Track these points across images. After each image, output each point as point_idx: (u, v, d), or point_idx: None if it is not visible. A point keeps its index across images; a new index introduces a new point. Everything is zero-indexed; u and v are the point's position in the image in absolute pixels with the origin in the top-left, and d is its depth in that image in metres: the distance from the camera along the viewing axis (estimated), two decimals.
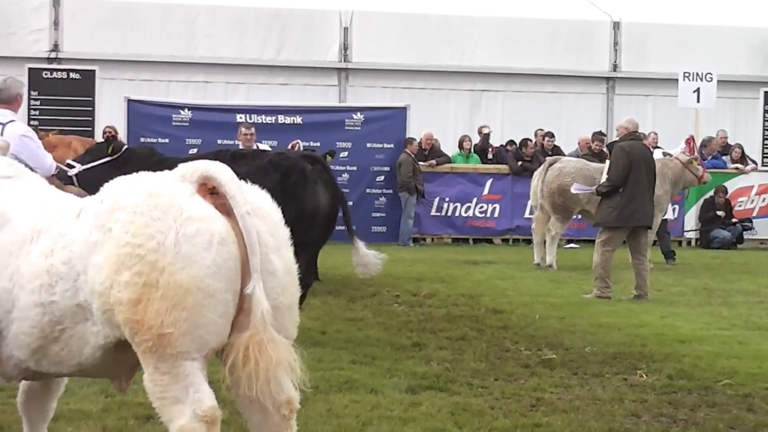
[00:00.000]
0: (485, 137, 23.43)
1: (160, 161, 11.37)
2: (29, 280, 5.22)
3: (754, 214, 23.50)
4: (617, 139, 15.61)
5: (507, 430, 7.38)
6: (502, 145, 23.76)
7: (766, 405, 8.30)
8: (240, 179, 5.04)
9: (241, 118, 20.55)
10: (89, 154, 13.25)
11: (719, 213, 23.08)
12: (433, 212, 22.61)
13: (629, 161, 14.51)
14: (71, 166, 11.65)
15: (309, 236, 10.95)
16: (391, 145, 22.00)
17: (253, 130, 17.30)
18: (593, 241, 18.35)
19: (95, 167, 11.99)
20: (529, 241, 19.96)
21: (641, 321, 12.58)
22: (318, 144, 19.78)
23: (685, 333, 11.77)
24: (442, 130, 23.62)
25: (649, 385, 9.02)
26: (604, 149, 20.99)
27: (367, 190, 21.86)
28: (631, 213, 14.48)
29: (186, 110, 21.33)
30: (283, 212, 5.39)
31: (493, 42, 24.47)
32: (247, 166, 11.05)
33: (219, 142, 19.92)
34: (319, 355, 9.11)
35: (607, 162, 17.58)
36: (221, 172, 4.88)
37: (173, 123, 21.07)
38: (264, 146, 17.44)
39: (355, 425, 7.36)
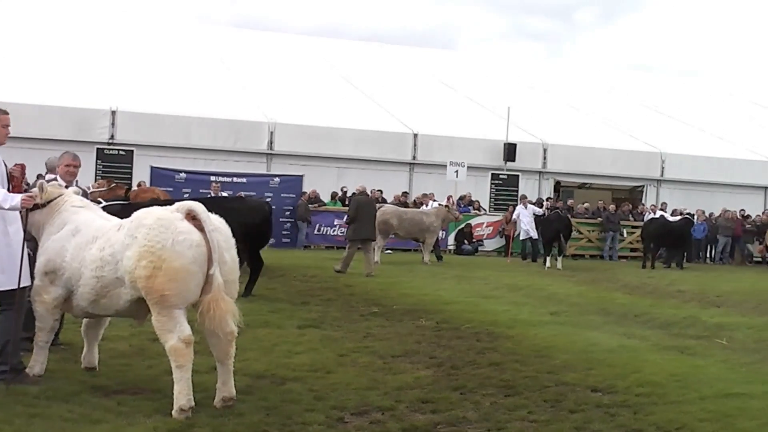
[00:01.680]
0: (344, 193, 27.17)
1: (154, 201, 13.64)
2: (90, 263, 6.54)
3: (484, 237, 28.16)
4: (356, 192, 19.67)
5: (351, 349, 8.90)
6: (353, 195, 24.89)
7: (488, 338, 10.03)
8: (210, 212, 6.49)
9: (213, 178, 24.71)
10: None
11: (466, 236, 27.58)
12: (315, 231, 26.42)
13: (358, 205, 18.68)
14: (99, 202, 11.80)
15: (256, 241, 14.20)
16: (294, 195, 25.98)
17: (219, 185, 22.03)
18: (401, 249, 24.72)
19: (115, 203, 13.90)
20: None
21: (425, 291, 14.99)
22: (254, 193, 23.28)
23: (447, 298, 14.17)
24: (322, 189, 27.15)
25: (426, 327, 10.72)
26: (408, 202, 26.28)
27: (281, 219, 25.08)
28: (360, 231, 18.47)
29: (182, 173, 25.22)
30: (239, 228, 7.39)
31: (352, 142, 28.13)
32: (216, 205, 16.07)
33: (201, 191, 23.33)
34: (249, 308, 9.32)
35: (422, 206, 24.07)
36: (198, 207, 6.31)
37: (175, 180, 24.79)
38: (224, 194, 21.71)
39: (269, 345, 8.84)
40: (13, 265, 6.70)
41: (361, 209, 18.85)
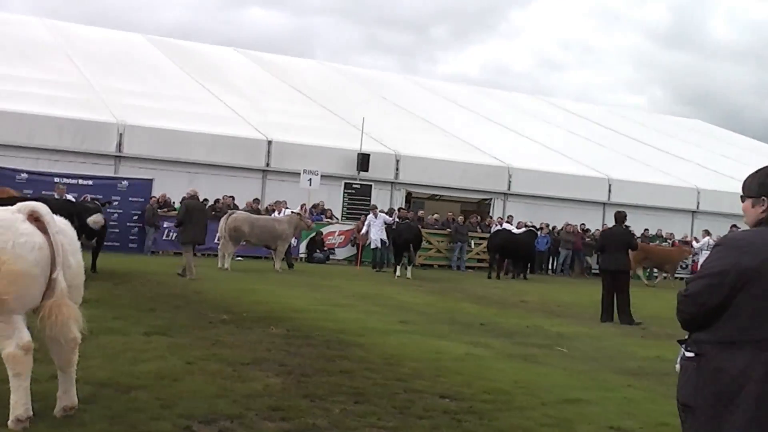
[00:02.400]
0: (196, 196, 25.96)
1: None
2: None
3: (336, 246, 28.35)
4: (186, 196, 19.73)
5: (199, 356, 8.69)
6: (205, 200, 25.44)
7: (338, 346, 10.04)
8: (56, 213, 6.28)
9: (57, 179, 23.63)
10: None
11: (318, 245, 27.55)
12: (165, 237, 25.89)
13: (187, 209, 18.93)
14: None
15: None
16: (142, 199, 25.37)
17: (64, 187, 21.17)
18: (252, 257, 24.56)
19: None
20: (217, 255, 22.78)
21: (276, 299, 14.91)
22: (101, 196, 22.05)
23: (298, 305, 14.11)
24: (173, 193, 26.33)
25: (276, 334, 10.66)
26: (260, 209, 26.14)
27: (128, 224, 25.15)
28: (189, 235, 18.73)
29: (24, 174, 24.24)
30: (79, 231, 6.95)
31: (205, 147, 27.75)
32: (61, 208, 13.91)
33: (43, 192, 21.91)
34: (93, 314, 7.98)
35: (274, 213, 24.13)
36: (41, 208, 6.06)
37: (16, 180, 23.41)
38: (70, 196, 21.07)
39: (113, 353, 8.64)
40: None
41: (189, 213, 18.93)
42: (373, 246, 26.66)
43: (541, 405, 7.67)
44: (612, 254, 16.17)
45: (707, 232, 31.62)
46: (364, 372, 8.66)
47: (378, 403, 7.35)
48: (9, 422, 5.82)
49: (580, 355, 11.06)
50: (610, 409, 7.74)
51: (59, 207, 14.13)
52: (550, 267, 31.99)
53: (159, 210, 25.88)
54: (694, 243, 32.43)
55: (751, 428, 3.52)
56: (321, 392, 7.61)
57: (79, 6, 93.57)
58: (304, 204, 26.66)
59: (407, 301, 16.70)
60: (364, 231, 26.77)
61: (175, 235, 25.45)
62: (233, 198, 27.18)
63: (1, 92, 27.34)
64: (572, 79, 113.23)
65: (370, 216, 26.57)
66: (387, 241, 25.97)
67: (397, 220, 27.11)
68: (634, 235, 15.75)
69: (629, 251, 16.40)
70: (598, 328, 14.41)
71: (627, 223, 16.90)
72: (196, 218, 19.02)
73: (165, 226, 25.92)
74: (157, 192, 26.30)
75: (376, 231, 26.29)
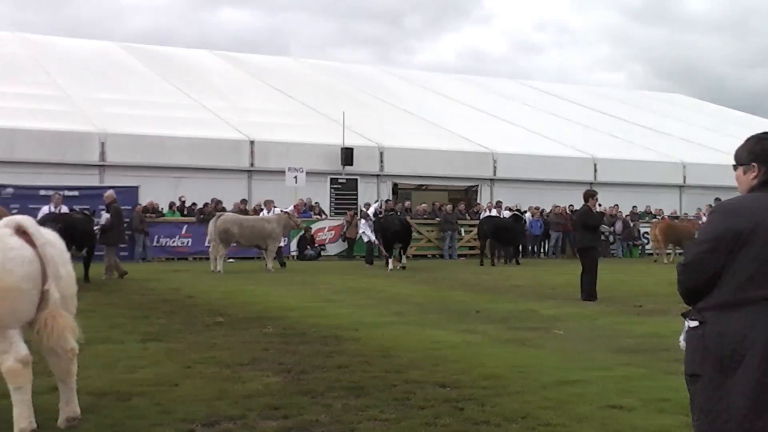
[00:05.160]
0: (183, 203, 27.43)
1: None
2: None
3: (327, 241, 28.54)
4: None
5: (196, 360, 8.72)
6: (193, 205, 27.65)
7: (334, 341, 10.03)
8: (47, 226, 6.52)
9: (42, 192, 23.41)
10: None
11: (308, 242, 27.68)
12: (154, 243, 26.15)
13: (117, 213, 19.76)
14: None
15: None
16: (129, 207, 24.76)
17: (61, 196, 20.75)
18: (243, 258, 24.67)
19: None
20: (208, 258, 22.79)
21: (270, 298, 15.05)
22: (88, 206, 21.19)
23: (292, 303, 14.20)
24: (159, 199, 27.00)
25: (272, 333, 10.68)
26: (248, 209, 26.42)
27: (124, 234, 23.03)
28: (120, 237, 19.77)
29: (9, 188, 24.41)
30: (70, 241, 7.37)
31: (187, 151, 27.97)
32: (55, 221, 15.80)
33: (30, 206, 21.32)
34: (87, 323, 9.59)
35: (263, 213, 23.97)
36: (27, 221, 6.07)
37: (2, 195, 23.74)
38: (64, 208, 20.26)
39: (110, 361, 8.63)
40: None
41: (118, 216, 19.98)
42: (366, 239, 26.79)
43: (540, 388, 7.70)
44: (576, 233, 16.28)
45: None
46: (361, 366, 8.67)
47: (378, 395, 7.37)
48: None
49: (575, 336, 11.07)
50: (609, 388, 7.76)
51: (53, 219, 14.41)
52: (541, 250, 32.04)
53: (146, 216, 25.93)
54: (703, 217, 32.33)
55: (755, 391, 3.54)
56: (320, 388, 7.61)
57: (49, 18, 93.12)
58: (298, 203, 27.08)
59: (400, 292, 16.69)
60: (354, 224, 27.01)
61: (166, 241, 26.26)
62: (221, 201, 27.31)
63: None
64: (550, 60, 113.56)
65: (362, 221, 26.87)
66: (373, 236, 26.07)
67: (382, 211, 27.18)
68: (588, 212, 15.80)
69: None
70: (592, 309, 14.39)
71: (616, 201, 16.94)
72: (120, 221, 20.03)
73: (154, 232, 26.19)
74: (143, 199, 26.35)
75: (367, 228, 26.50)
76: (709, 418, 3.65)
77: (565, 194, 32.88)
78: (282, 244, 24.91)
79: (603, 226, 21.20)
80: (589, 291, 15.72)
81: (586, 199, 16.39)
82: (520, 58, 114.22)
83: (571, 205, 32.14)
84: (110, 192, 20.86)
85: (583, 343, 10.47)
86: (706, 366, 3.67)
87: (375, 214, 26.46)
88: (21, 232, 6.02)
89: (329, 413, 6.76)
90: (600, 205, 16.90)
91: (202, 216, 26.35)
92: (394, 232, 23.93)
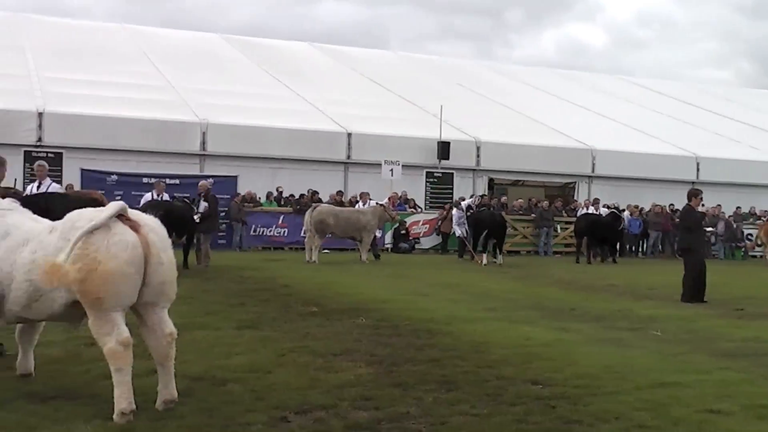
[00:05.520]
0: (280, 193, 27.84)
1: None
2: (22, 267, 6.34)
3: (421, 235, 28.62)
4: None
5: (290, 349, 8.81)
6: (290, 196, 28.09)
7: (426, 335, 9.99)
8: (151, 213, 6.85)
9: (145, 180, 24.28)
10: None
11: (403, 235, 27.95)
12: (252, 232, 26.60)
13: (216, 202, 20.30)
14: None
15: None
16: (228, 196, 25.71)
17: (164, 184, 20.86)
18: (338, 249, 24.98)
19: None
20: (303, 248, 23.16)
21: (363, 290, 15.00)
22: (188, 195, 21.63)
23: (385, 296, 14.07)
24: (257, 189, 27.52)
25: (365, 325, 10.71)
26: (343, 200, 26.74)
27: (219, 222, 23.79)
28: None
29: (113, 176, 25.29)
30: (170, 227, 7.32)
31: (286, 142, 28.08)
32: (156, 207, 16.14)
33: (133, 193, 22.78)
34: (185, 310, 10.16)
35: (358, 204, 24.40)
36: (128, 209, 6.24)
37: (107, 182, 24.65)
38: (166, 196, 20.36)
39: (206, 347, 8.76)
40: None
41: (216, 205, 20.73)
42: (457, 234, 26.71)
43: (634, 389, 7.54)
44: (678, 233, 15.86)
45: None
46: (453, 360, 8.63)
47: (469, 390, 7.33)
48: (114, 416, 5.97)
49: (672, 338, 10.80)
50: (706, 391, 7.55)
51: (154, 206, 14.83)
52: (640, 250, 31.40)
53: (245, 205, 26.27)
54: None
55: None
56: (411, 381, 7.61)
57: (156, 11, 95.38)
58: (393, 196, 26.98)
59: (494, 288, 16.57)
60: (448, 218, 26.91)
61: (263, 230, 26.77)
62: (317, 192, 27.60)
63: (87, 97, 28.03)
64: (653, 56, 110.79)
65: (455, 210, 26.86)
66: (468, 231, 25.84)
67: (473, 206, 26.98)
68: (690, 211, 15.35)
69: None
70: (690, 310, 14.03)
71: (719, 201, 16.46)
72: (216, 210, 20.69)
73: (251, 221, 26.63)
74: (242, 188, 26.87)
75: (456, 218, 26.53)
76: None
77: (666, 193, 32.20)
78: (377, 236, 24.92)
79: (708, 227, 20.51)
80: (688, 293, 15.29)
81: (689, 198, 15.99)
82: (622, 53, 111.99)
83: (672, 204, 31.53)
84: (204, 182, 21.29)
85: (679, 345, 10.20)
86: None
87: (468, 209, 26.24)
88: (124, 218, 6.17)
89: (420, 406, 6.75)
90: (703, 204, 16.36)
91: (298, 206, 26.57)
92: (484, 227, 23.80)
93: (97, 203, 11.01)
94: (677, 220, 30.34)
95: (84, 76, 30.73)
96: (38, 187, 14.71)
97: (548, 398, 7.13)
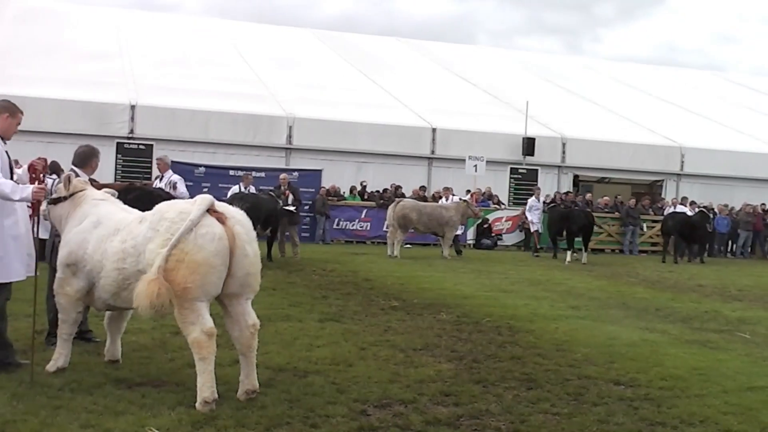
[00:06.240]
0: (364, 187, 27.78)
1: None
2: (112, 255, 6.49)
3: (504, 232, 28.25)
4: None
5: (372, 342, 8.87)
6: (376, 192, 27.77)
7: (508, 332, 10.03)
8: (237, 206, 6.71)
9: (231, 172, 24.49)
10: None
11: (485, 231, 27.68)
12: (335, 226, 26.60)
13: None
14: None
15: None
16: (313, 190, 25.74)
17: (252, 177, 20.87)
18: (420, 244, 24.94)
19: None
20: (386, 243, 22.88)
21: (445, 285, 14.94)
22: (272, 187, 21.18)
23: (467, 292, 14.14)
24: (341, 183, 27.52)
25: (446, 320, 10.69)
26: (426, 195, 26.65)
27: (301, 214, 23.55)
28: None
29: (201, 168, 25.26)
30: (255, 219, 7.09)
31: (370, 137, 28.32)
32: (242, 200, 16.15)
33: (220, 185, 22.97)
34: (269, 301, 10.55)
35: (441, 200, 24.06)
36: (215, 201, 6.33)
37: (195, 174, 24.46)
38: (252, 189, 20.24)
39: (289, 339, 8.84)
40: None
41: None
42: (533, 229, 26.51)
43: (722, 392, 7.39)
44: None
45: None
46: (535, 358, 8.59)
47: (550, 389, 7.28)
48: (197, 404, 6.08)
49: (763, 341, 10.53)
50: None
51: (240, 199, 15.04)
52: (728, 250, 30.68)
53: (328, 199, 26.34)
54: None
55: None
56: (492, 378, 7.59)
57: (247, 6, 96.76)
58: (475, 192, 26.78)
59: (577, 286, 16.39)
60: (529, 218, 26.64)
61: (346, 224, 26.79)
62: (400, 187, 27.47)
63: (179, 91, 28.59)
64: (748, 52, 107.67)
65: (532, 199, 26.53)
66: (540, 225, 25.97)
67: (550, 202, 26.94)
68: None
69: None
70: None
71: None
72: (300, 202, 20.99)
73: (335, 214, 26.72)
74: (326, 182, 26.83)
75: (537, 215, 26.22)
76: None
77: (758, 192, 31.46)
78: (459, 232, 24.76)
79: None
80: None
81: None
82: (716, 49, 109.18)
83: (763, 204, 30.74)
84: (285, 174, 21.67)
85: None
86: None
87: (551, 202, 26.16)
88: (211, 210, 6.24)
89: (500, 403, 6.72)
90: None
91: (381, 201, 26.56)
92: (578, 226, 23.66)
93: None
94: None
95: (175, 70, 31.41)
96: (160, 180, 15.22)
97: (631, 399, 7.04)
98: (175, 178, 15.17)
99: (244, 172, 21.96)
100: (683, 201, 29.08)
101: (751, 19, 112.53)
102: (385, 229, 24.18)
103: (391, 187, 27.75)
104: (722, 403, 7.02)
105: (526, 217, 26.86)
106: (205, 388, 6.05)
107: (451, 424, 6.17)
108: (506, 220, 28.46)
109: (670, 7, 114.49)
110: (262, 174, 25.30)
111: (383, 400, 6.64)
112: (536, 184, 28.40)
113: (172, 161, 23.71)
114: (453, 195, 25.70)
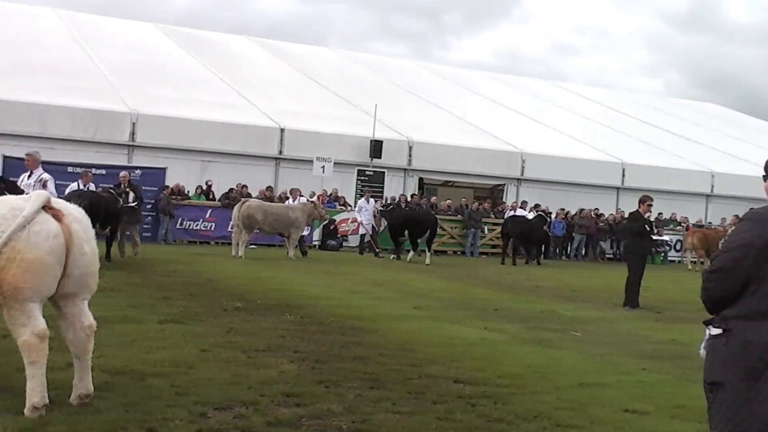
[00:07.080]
0: (209, 186, 27.46)
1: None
2: None
3: (349, 233, 28.27)
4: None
5: (214, 344, 8.68)
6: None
7: (352, 332, 10.05)
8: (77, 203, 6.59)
9: (70, 169, 23.14)
10: None
11: (331, 232, 27.72)
12: (178, 225, 26.17)
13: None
14: None
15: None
16: (156, 188, 25.29)
17: (90, 175, 20.24)
18: (266, 245, 24.59)
19: None
20: (231, 243, 22.69)
21: (290, 286, 14.96)
22: (112, 185, 20.35)
23: (312, 293, 14.15)
24: (186, 182, 27.05)
25: (290, 321, 10.64)
26: (272, 196, 26.29)
27: (142, 213, 22.79)
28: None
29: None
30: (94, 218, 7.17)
31: (217, 136, 27.81)
32: (81, 197, 15.54)
33: (57, 182, 19.04)
34: (107, 302, 10.07)
35: (288, 201, 24.02)
36: (52, 198, 6.12)
37: None
38: (92, 186, 19.76)
39: (128, 341, 8.58)
40: None
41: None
42: (361, 232, 27.02)
43: (556, 389, 7.65)
44: (625, 238, 16.05)
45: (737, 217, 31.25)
46: (378, 358, 8.64)
47: (393, 388, 7.33)
48: (25, 410, 5.78)
49: (594, 339, 11.01)
50: (625, 392, 7.72)
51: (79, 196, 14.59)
52: (564, 252, 31.88)
53: (172, 198, 25.93)
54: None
55: None
56: (335, 378, 7.59)
57: None
58: (322, 194, 26.88)
59: (421, 287, 16.65)
60: (359, 219, 27.03)
61: (190, 224, 26.37)
62: (246, 186, 27.27)
63: (15, 82, 27.42)
64: (586, 63, 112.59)
65: (362, 200, 26.91)
66: (376, 227, 26.48)
67: (381, 207, 27.53)
68: (638, 218, 15.63)
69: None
70: (612, 313, 14.40)
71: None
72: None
73: (178, 214, 26.27)
74: (170, 181, 26.34)
75: (366, 216, 26.62)
76: (731, 425, 3.60)
77: (592, 197, 32.87)
78: (305, 233, 24.84)
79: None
80: (628, 297, 15.53)
81: (639, 204, 16.28)
82: (557, 59, 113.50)
83: (597, 209, 32.21)
84: (125, 172, 21.15)
85: (601, 347, 10.42)
86: (728, 374, 3.62)
87: (384, 206, 26.78)
88: (47, 206, 6.00)
89: (343, 403, 6.71)
90: (650, 211, 16.61)
91: (227, 201, 26.31)
92: (405, 225, 24.37)
93: None
94: (601, 224, 31.69)
95: (10, 60, 30.01)
96: (29, 176, 14.85)
97: (470, 397, 7.16)
98: (46, 176, 14.73)
99: (84, 169, 21.32)
100: (523, 205, 30.01)
101: (588, 32, 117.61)
102: (230, 229, 23.92)
103: (237, 186, 27.44)
104: (555, 399, 7.26)
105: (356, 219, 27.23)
106: (35, 393, 5.75)
107: (293, 424, 6.11)
108: (352, 222, 28.45)
109: (515, 18, 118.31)
110: (103, 171, 24.54)
111: (224, 402, 6.50)
112: (384, 189, 29.05)
113: (7, 156, 23.80)
114: (301, 196, 25.71)
